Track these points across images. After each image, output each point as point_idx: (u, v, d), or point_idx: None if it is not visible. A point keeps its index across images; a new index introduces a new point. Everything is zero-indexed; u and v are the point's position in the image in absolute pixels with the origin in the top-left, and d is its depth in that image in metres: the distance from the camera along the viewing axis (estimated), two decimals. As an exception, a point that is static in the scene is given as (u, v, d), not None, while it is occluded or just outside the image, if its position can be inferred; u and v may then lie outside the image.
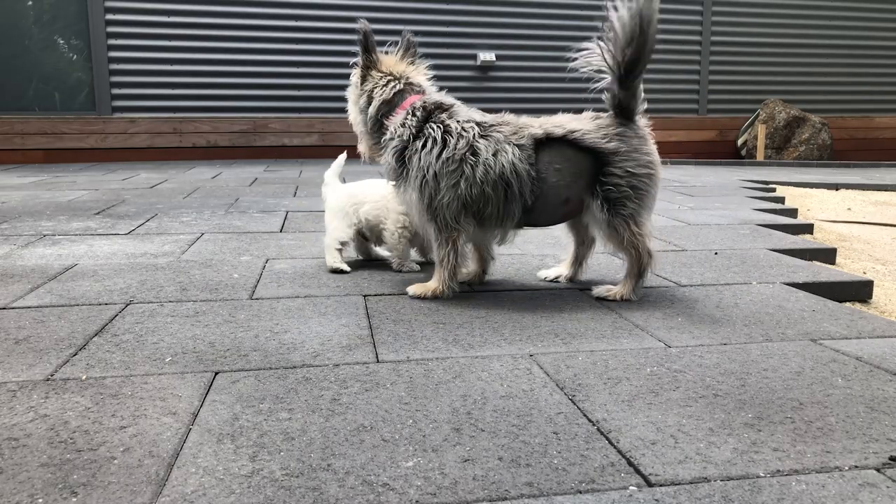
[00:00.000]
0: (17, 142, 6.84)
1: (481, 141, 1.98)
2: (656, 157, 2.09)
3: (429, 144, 1.98)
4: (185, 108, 7.20)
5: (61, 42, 6.99)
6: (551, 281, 2.32)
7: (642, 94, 2.11)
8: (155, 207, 3.81)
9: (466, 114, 2.07)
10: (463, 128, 1.99)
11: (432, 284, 2.10)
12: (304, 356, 1.62)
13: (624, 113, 2.09)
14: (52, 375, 1.48)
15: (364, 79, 2.13)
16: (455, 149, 1.97)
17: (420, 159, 1.98)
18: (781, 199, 4.69)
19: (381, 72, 2.12)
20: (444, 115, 2.03)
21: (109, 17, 6.92)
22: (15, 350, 1.63)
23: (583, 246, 2.30)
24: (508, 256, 2.68)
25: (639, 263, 2.08)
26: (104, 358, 1.59)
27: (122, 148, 7.05)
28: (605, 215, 2.02)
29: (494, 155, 1.97)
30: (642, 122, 2.14)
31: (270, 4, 7.25)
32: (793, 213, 4.12)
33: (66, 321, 1.84)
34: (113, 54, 6.96)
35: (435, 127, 1.99)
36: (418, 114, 2.02)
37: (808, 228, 3.63)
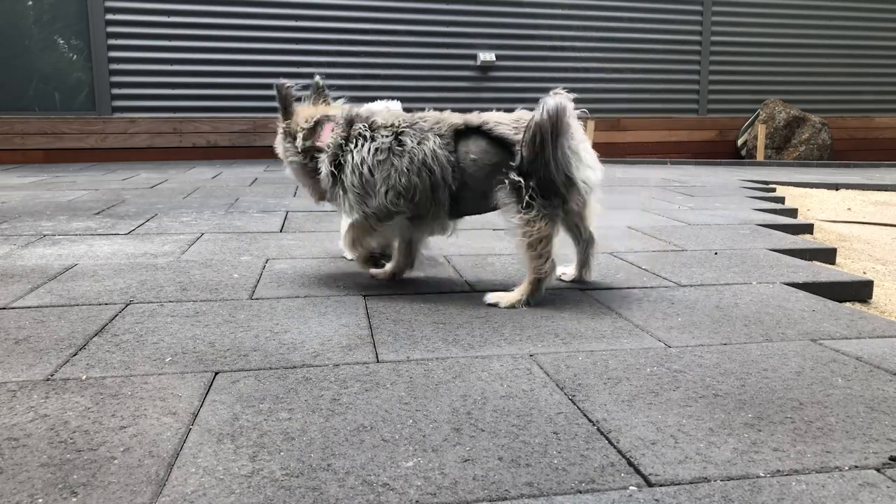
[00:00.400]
0: (17, 142, 6.84)
1: (406, 131, 2.06)
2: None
3: (359, 143, 2.07)
4: (185, 108, 7.20)
5: (61, 42, 6.99)
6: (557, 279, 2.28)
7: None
8: (155, 207, 3.81)
9: (388, 115, 2.16)
10: (387, 123, 2.09)
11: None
12: (304, 356, 1.62)
13: None
14: (52, 375, 1.48)
15: (286, 133, 2.24)
16: (382, 140, 2.05)
17: (353, 157, 2.07)
18: (781, 199, 4.69)
19: (299, 118, 2.23)
20: (366, 116, 2.14)
21: (109, 17, 6.92)
22: (15, 350, 1.63)
23: (579, 245, 2.29)
24: (509, 257, 2.68)
25: (534, 266, 2.02)
26: (104, 358, 1.59)
27: (122, 148, 7.05)
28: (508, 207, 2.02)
29: (419, 144, 2.04)
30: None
31: (270, 4, 7.25)
32: (793, 213, 4.12)
33: (66, 321, 1.84)
34: (113, 54, 6.96)
35: (361, 126, 2.09)
36: (342, 123, 2.13)
37: (808, 228, 3.64)
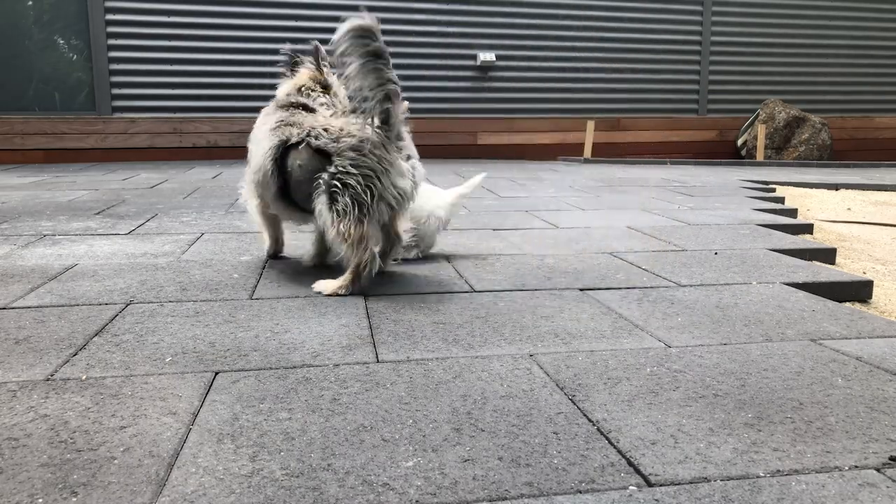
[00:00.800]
0: (17, 142, 6.84)
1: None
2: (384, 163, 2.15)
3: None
4: (185, 108, 7.20)
5: (61, 42, 6.99)
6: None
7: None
8: (155, 207, 3.81)
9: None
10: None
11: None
12: (304, 356, 1.62)
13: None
14: (52, 375, 1.48)
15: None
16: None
17: None
18: (781, 199, 4.69)
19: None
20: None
21: (109, 17, 6.92)
22: (15, 350, 1.63)
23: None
24: (509, 257, 2.68)
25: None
26: (104, 358, 1.59)
27: (122, 148, 7.05)
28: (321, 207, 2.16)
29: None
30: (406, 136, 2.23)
31: (270, 4, 7.25)
32: (793, 213, 4.12)
33: (66, 321, 1.84)
34: (113, 54, 6.96)
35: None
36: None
37: (807, 228, 3.64)
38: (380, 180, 2.11)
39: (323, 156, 2.16)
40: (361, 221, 2.09)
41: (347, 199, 2.08)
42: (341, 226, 2.09)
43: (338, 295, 2.14)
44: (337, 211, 2.09)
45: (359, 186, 2.08)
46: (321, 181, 2.13)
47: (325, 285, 2.18)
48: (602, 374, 1.53)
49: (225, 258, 2.60)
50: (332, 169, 2.11)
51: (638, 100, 8.32)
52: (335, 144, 2.13)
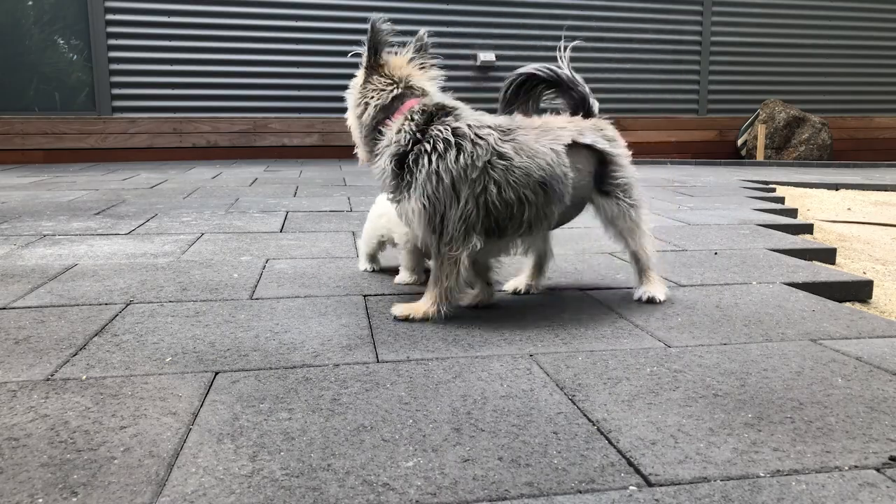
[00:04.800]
0: (17, 142, 6.84)
1: (506, 145, 1.86)
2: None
3: (440, 147, 1.80)
4: (185, 108, 7.20)
5: (61, 42, 6.99)
6: (515, 293, 2.22)
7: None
8: (155, 207, 3.81)
9: (475, 117, 1.93)
10: (477, 132, 1.84)
11: (422, 305, 1.90)
12: (305, 356, 1.62)
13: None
14: (52, 375, 1.48)
15: (366, 81, 1.95)
16: (475, 154, 1.81)
17: (431, 163, 1.79)
18: (781, 199, 4.69)
19: (384, 75, 1.93)
20: (449, 119, 1.88)
21: (109, 17, 6.92)
22: (15, 350, 1.63)
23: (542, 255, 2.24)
24: (508, 258, 2.68)
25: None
26: (104, 358, 1.59)
27: (123, 148, 7.05)
28: (615, 209, 2.10)
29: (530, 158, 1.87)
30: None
31: (270, 4, 7.25)
32: (793, 213, 4.12)
33: (66, 321, 1.84)
34: (113, 54, 6.96)
35: (442, 129, 1.82)
36: (416, 117, 1.85)
37: (807, 228, 3.64)
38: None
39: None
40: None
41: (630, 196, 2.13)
42: (633, 225, 2.13)
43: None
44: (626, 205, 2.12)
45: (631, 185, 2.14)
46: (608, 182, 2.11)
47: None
48: (602, 374, 1.53)
49: (225, 258, 2.60)
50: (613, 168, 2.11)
51: (638, 100, 8.31)
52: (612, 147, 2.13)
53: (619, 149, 2.14)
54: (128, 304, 2.00)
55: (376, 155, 1.93)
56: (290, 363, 1.57)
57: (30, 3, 6.87)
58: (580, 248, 2.88)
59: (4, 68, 6.85)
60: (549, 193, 1.88)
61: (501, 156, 1.83)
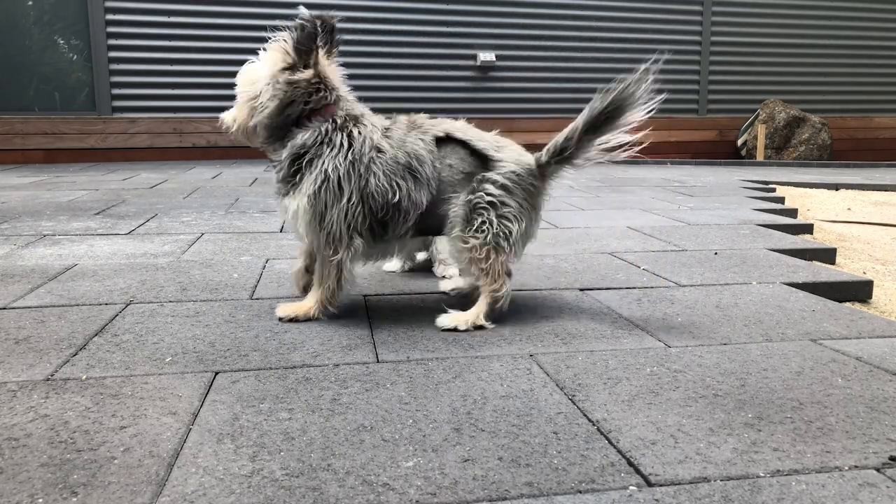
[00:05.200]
0: (17, 142, 6.84)
1: (383, 141, 1.92)
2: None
3: (334, 152, 1.86)
4: (185, 108, 7.20)
5: (61, 42, 6.99)
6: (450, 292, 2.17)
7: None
8: (155, 207, 3.81)
9: (372, 121, 1.97)
10: (369, 135, 1.91)
11: (305, 305, 1.92)
12: (304, 356, 1.62)
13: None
14: (52, 375, 1.48)
15: (293, 71, 1.96)
16: (362, 152, 1.87)
17: (324, 162, 1.85)
18: (781, 199, 4.69)
19: (316, 73, 1.96)
20: (354, 128, 1.92)
21: (109, 17, 6.92)
22: (15, 350, 1.63)
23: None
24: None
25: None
26: (104, 358, 1.59)
27: (123, 148, 7.05)
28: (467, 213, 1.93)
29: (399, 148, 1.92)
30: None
31: (271, 5, 7.25)
32: (793, 213, 4.12)
33: (66, 321, 1.84)
34: (113, 54, 6.96)
35: (344, 136, 1.89)
36: (329, 126, 1.90)
37: (807, 228, 3.64)
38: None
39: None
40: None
41: (499, 209, 1.90)
42: (491, 256, 1.90)
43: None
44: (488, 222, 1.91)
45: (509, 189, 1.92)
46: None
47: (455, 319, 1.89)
48: (602, 374, 1.53)
49: (225, 258, 2.60)
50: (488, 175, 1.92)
51: (638, 100, 8.31)
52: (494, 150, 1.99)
53: (505, 157, 1.93)
54: (128, 304, 2.00)
55: (280, 148, 1.95)
56: (290, 363, 1.57)
57: (30, 3, 6.87)
58: (580, 248, 2.88)
59: (4, 68, 6.84)
60: (417, 177, 1.89)
61: (379, 150, 1.90)
